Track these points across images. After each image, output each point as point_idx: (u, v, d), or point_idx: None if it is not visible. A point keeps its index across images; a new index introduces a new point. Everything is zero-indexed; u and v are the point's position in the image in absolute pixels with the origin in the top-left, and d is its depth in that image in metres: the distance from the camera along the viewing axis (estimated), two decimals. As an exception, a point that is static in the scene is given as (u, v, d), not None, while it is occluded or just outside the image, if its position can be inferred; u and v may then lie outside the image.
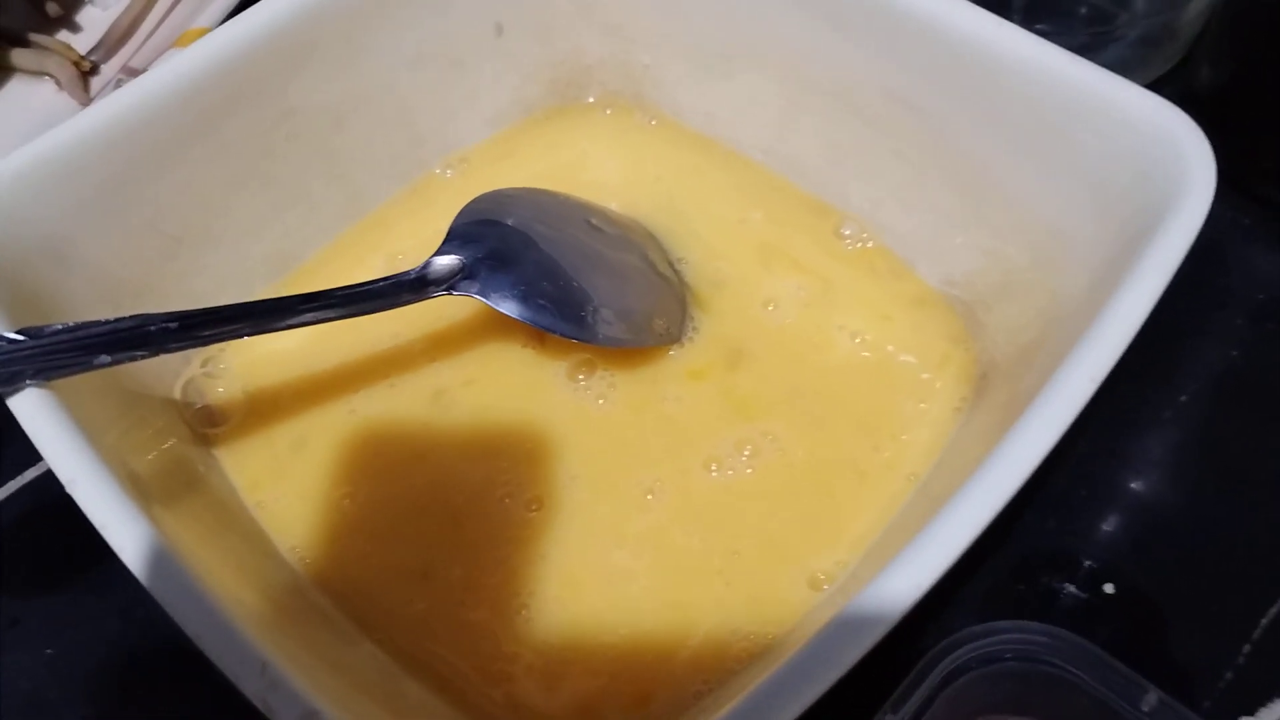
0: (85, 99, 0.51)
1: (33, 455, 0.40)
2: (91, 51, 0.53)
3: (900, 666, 0.31)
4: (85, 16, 0.55)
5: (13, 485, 0.40)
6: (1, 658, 0.37)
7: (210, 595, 0.25)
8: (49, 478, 0.40)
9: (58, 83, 0.51)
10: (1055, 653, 0.30)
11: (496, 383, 0.38)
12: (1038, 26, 0.32)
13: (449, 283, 0.35)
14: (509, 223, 0.37)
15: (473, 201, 0.38)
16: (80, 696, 0.36)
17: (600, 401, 0.37)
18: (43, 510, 0.40)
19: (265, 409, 0.38)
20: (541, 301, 0.36)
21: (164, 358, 0.32)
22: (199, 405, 0.37)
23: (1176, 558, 0.36)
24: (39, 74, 0.52)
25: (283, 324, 0.33)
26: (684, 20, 0.40)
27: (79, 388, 0.30)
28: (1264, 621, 0.35)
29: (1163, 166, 0.29)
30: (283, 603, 0.31)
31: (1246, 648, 0.34)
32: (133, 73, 0.51)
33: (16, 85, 0.52)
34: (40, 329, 0.29)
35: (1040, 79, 0.31)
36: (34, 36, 0.52)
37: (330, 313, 0.34)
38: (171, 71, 0.34)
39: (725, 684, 0.31)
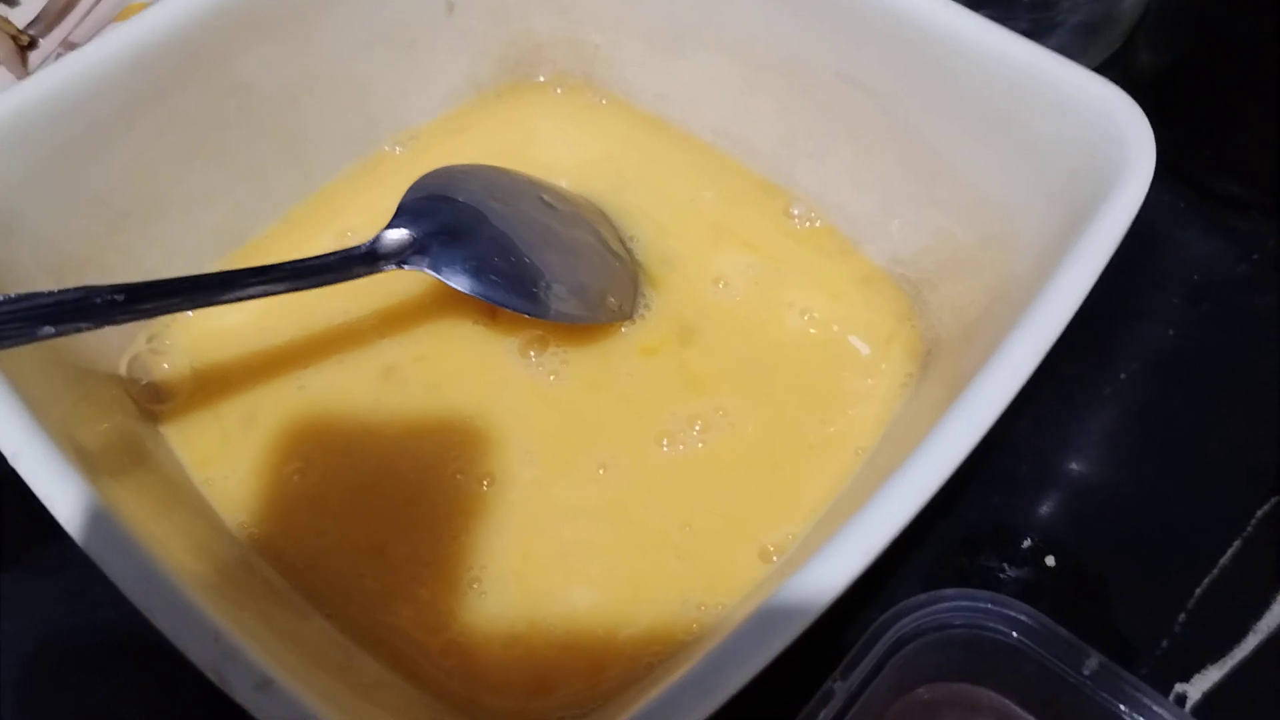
0: (23, 73, 0.50)
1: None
2: (30, 26, 0.52)
3: (848, 636, 0.31)
4: (23, -10, 0.54)
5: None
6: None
7: (160, 566, 0.25)
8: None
9: (-6, 56, 0.50)
10: (1000, 619, 0.30)
11: (447, 359, 0.38)
12: (982, 11, 0.33)
13: (399, 257, 0.35)
14: (460, 198, 0.37)
15: (424, 177, 0.37)
16: (21, 678, 0.36)
17: (552, 378, 0.37)
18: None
19: (213, 385, 0.37)
20: (493, 277, 0.36)
21: (108, 333, 0.32)
22: (145, 381, 0.37)
23: (1115, 532, 0.37)
24: (-25, 47, 0.51)
25: (230, 297, 0.32)
26: (635, 0, 0.40)
27: (22, 361, 0.29)
28: (1198, 592, 0.36)
29: (1105, 147, 0.30)
30: (234, 576, 0.31)
31: (1182, 617, 0.35)
32: (72, 47, 0.50)
33: (-49, 58, 0.51)
34: (-18, 300, 0.28)
35: (989, 62, 0.32)
36: (-31, 9, 0.51)
37: (279, 286, 0.33)
38: (115, 42, 0.33)
39: (676, 655, 0.32)
